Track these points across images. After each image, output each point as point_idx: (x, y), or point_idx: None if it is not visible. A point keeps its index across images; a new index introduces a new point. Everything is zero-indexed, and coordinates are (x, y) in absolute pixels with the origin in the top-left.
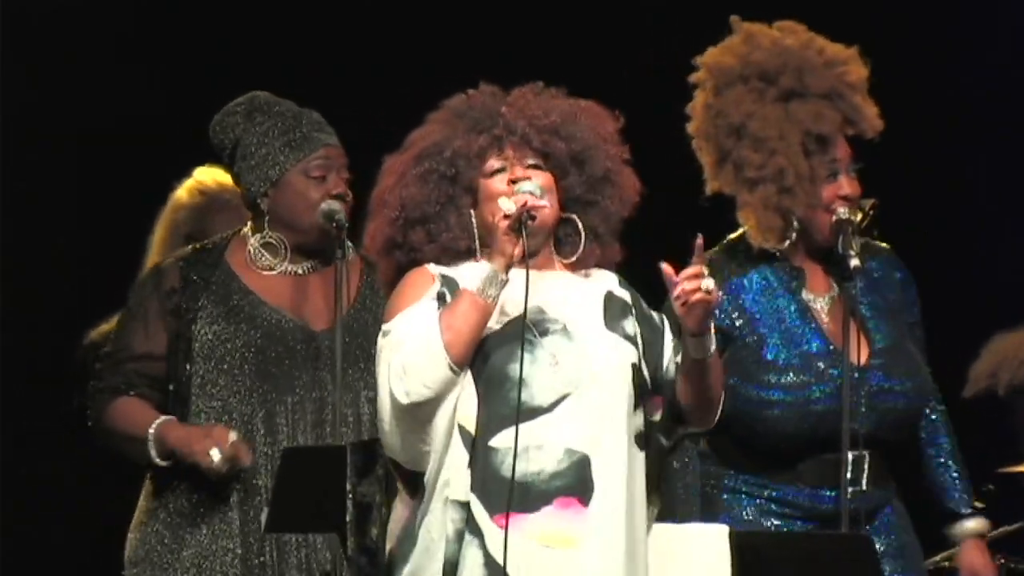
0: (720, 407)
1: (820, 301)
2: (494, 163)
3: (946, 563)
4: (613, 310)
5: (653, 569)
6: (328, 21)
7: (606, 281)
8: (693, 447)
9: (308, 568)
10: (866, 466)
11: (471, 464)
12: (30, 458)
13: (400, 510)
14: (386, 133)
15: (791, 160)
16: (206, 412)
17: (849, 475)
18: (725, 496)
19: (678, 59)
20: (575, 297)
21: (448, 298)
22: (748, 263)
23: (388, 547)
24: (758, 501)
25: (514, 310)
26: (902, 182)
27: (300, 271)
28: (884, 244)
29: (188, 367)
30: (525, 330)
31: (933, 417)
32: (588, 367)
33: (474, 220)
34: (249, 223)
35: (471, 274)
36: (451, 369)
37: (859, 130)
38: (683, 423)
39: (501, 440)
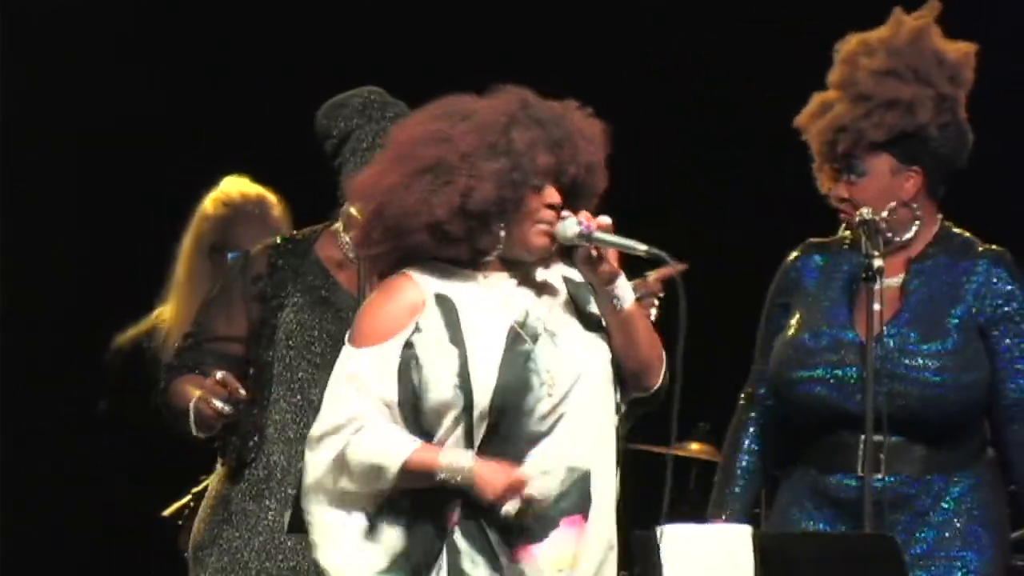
0: (661, 370)
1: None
2: (554, 195)
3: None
4: (580, 297)
5: (676, 570)
6: (328, 21)
7: (556, 265)
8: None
9: None
10: (883, 454)
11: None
12: (30, 458)
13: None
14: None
15: None
16: (286, 400)
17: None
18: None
19: (678, 59)
20: (547, 292)
21: (422, 335)
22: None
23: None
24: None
25: (503, 316)
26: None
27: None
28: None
29: (271, 353)
30: (520, 341)
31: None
32: (577, 377)
33: (502, 232)
34: (342, 218)
35: (468, 299)
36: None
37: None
38: (624, 389)
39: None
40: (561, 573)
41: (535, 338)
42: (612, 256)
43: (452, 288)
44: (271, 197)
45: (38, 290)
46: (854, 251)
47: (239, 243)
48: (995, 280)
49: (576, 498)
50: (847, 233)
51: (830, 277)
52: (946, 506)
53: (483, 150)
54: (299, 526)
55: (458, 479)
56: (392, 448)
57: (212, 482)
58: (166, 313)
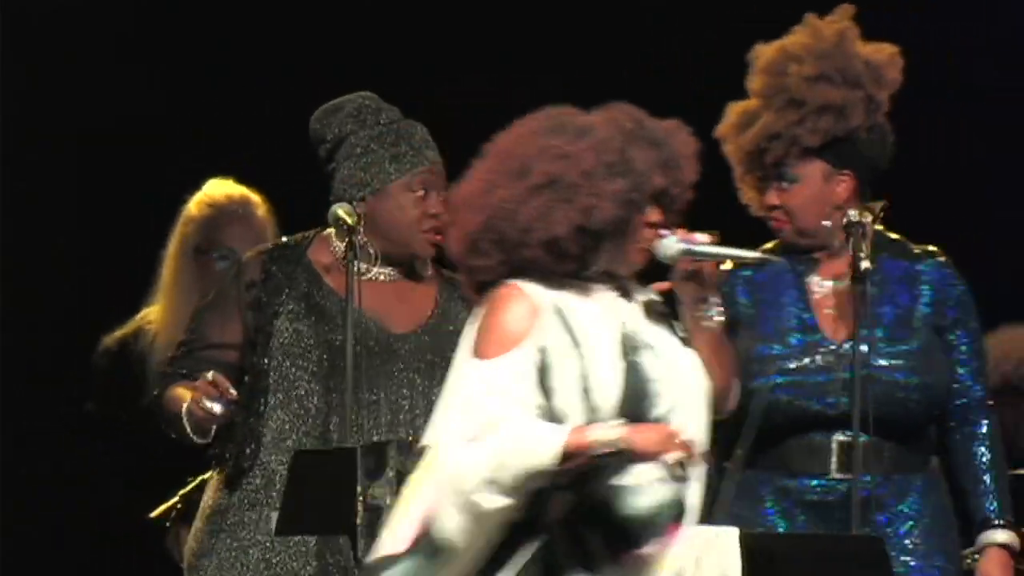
0: (736, 393)
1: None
2: (655, 214)
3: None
4: (664, 314)
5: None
6: (328, 21)
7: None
8: None
9: None
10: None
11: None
12: (30, 458)
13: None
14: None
15: None
16: (283, 407)
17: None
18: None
19: (678, 59)
20: (639, 306)
21: (546, 342)
22: None
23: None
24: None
25: (609, 326)
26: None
27: (384, 278)
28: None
29: (266, 361)
30: (630, 351)
31: (977, 423)
32: (682, 389)
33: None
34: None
35: (576, 308)
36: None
37: None
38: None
39: (633, 477)
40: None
41: (639, 349)
42: (711, 272)
43: (559, 297)
44: (255, 197)
45: (38, 290)
46: (788, 257)
47: (224, 244)
48: (948, 282)
49: (676, 506)
50: (768, 244)
51: (764, 287)
52: (910, 507)
53: (603, 169)
54: (287, 528)
55: (613, 448)
56: (545, 436)
57: (207, 491)
58: (153, 314)
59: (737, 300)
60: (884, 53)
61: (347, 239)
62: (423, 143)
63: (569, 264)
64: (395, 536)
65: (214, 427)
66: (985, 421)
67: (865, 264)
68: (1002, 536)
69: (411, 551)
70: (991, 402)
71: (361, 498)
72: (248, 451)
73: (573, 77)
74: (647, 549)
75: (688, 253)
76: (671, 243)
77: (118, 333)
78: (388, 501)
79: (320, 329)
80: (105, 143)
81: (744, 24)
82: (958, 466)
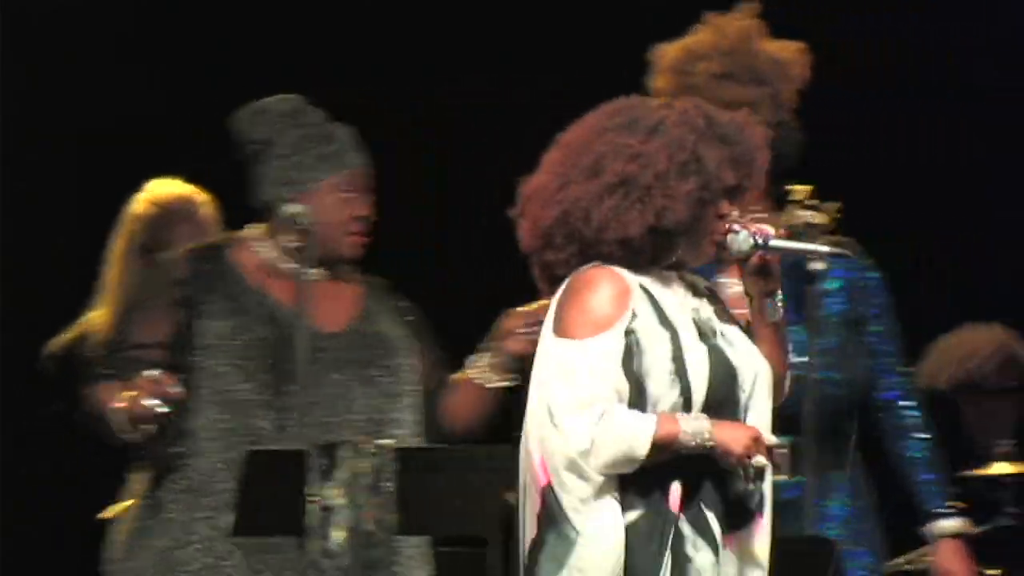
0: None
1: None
2: (726, 207)
3: (908, 565)
4: (718, 305)
5: None
6: (328, 21)
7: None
8: None
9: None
10: (787, 455)
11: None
12: (30, 458)
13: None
14: (386, 133)
15: None
16: (213, 405)
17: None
18: None
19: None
20: (706, 295)
21: (639, 320)
22: None
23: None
24: None
25: (686, 311)
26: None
27: (311, 277)
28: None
29: (195, 360)
30: (707, 336)
31: (903, 415)
32: (755, 375)
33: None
34: (265, 225)
35: (658, 291)
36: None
37: None
38: None
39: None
40: (755, 565)
41: (712, 336)
42: (777, 266)
43: (644, 280)
44: (201, 196)
45: (38, 290)
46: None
47: (172, 243)
48: (861, 274)
49: (760, 495)
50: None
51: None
52: (838, 506)
53: (675, 169)
54: (243, 529)
55: (701, 443)
56: (638, 427)
57: (137, 489)
58: (98, 317)
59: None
60: (789, 50)
61: (301, 238)
62: (351, 144)
63: (643, 259)
64: (529, 517)
65: (154, 425)
66: (910, 412)
67: (818, 266)
68: (952, 525)
69: (541, 532)
70: (913, 388)
71: (313, 498)
72: (178, 449)
73: (573, 77)
74: (744, 534)
75: (761, 247)
76: (744, 238)
77: (64, 337)
78: (341, 501)
79: (249, 327)
80: (105, 143)
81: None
82: (893, 462)
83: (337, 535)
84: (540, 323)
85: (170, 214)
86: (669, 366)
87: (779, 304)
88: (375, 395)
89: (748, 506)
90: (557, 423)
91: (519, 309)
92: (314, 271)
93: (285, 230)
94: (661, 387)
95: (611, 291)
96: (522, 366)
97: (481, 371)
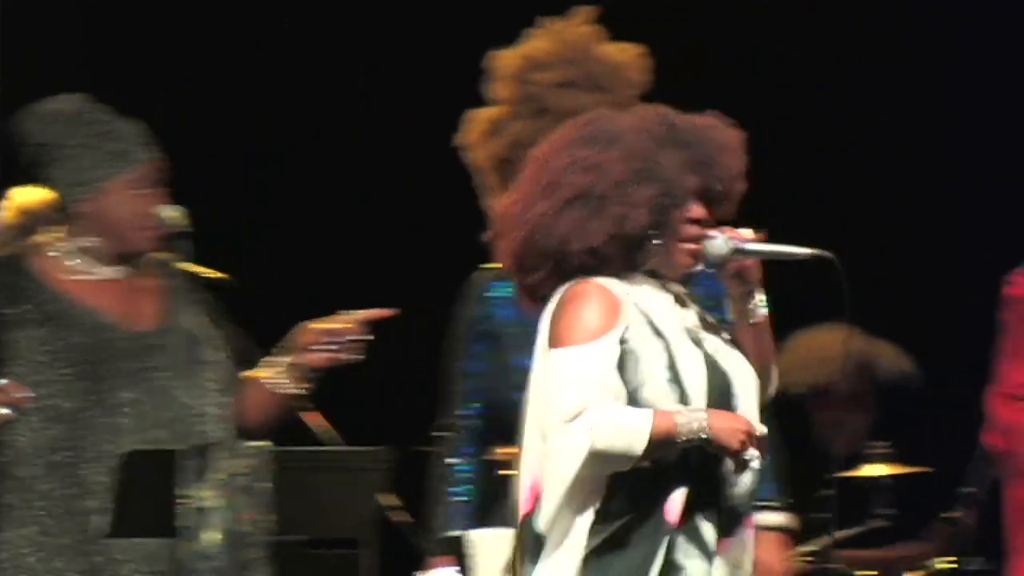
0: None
1: None
2: (698, 211)
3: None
4: (702, 316)
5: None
6: (328, 21)
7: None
8: None
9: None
10: None
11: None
12: None
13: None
14: (375, 130)
15: None
16: (38, 414)
17: None
18: None
19: (678, 59)
20: (687, 304)
21: (632, 330)
22: None
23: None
24: None
25: (675, 320)
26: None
27: (117, 276)
28: None
29: (13, 372)
30: (698, 344)
31: None
32: (745, 382)
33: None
34: (65, 228)
35: (647, 301)
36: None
37: None
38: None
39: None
40: (740, 569)
41: (702, 343)
42: (755, 268)
43: (632, 291)
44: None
45: None
46: None
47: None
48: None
49: (749, 499)
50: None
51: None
52: None
53: (632, 177)
54: (118, 530)
55: (697, 435)
56: (635, 423)
57: None
58: None
59: (496, 316)
60: (628, 54)
61: (98, 238)
62: (140, 138)
63: (614, 266)
64: (522, 501)
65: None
66: None
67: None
68: (774, 518)
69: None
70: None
71: (184, 499)
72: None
73: (401, 79)
74: (738, 536)
75: (738, 252)
76: (720, 243)
77: None
78: (215, 502)
79: (60, 333)
80: None
81: (738, 20)
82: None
83: (211, 536)
84: (339, 340)
85: (40, 222)
86: (665, 374)
87: (761, 304)
88: (194, 391)
89: (740, 512)
90: (558, 424)
91: (315, 325)
92: (115, 269)
93: (82, 231)
94: (658, 395)
95: (602, 303)
96: (316, 377)
97: (277, 374)
